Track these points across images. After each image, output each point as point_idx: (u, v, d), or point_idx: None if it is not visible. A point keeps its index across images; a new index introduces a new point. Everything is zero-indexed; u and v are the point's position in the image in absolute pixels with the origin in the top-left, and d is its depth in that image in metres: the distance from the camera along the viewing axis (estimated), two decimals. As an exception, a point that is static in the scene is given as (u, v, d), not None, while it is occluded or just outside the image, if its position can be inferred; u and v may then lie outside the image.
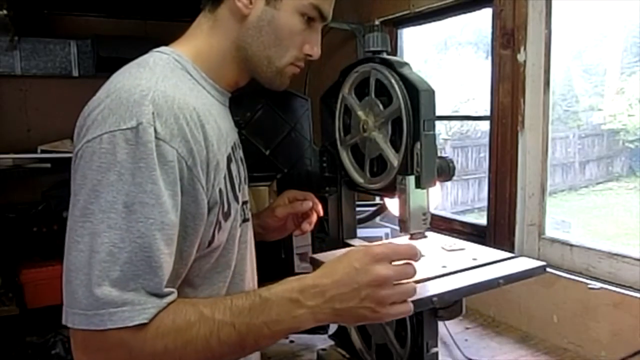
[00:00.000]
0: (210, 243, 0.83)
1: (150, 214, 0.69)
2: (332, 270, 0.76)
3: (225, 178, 0.85)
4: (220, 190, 0.82)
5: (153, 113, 0.71)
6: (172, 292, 0.72)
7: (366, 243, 1.21)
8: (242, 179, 0.97)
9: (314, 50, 0.92)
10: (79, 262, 0.68)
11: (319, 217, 1.18)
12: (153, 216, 0.69)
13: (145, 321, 0.68)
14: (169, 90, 0.76)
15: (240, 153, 1.00)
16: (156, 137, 0.70)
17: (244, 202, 0.96)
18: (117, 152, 0.69)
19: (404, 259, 0.78)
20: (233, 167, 0.89)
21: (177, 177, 0.73)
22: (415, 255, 0.78)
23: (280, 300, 0.74)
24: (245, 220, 0.95)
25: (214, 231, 0.82)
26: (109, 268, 0.67)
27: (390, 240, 1.26)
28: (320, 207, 1.18)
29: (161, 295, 0.70)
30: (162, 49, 0.87)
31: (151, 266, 0.69)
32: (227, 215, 0.85)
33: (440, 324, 1.38)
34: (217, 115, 0.87)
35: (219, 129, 0.85)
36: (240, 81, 0.94)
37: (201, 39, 0.90)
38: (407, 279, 0.77)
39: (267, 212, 1.19)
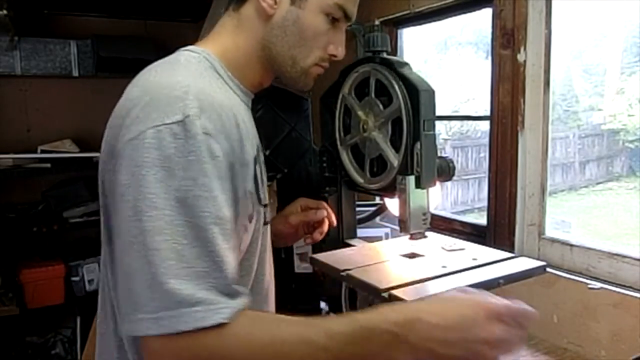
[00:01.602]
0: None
1: (205, 207, 0.66)
2: (442, 311, 0.70)
3: (252, 180, 0.83)
4: (249, 191, 0.81)
5: (198, 107, 0.69)
6: (243, 294, 0.68)
7: (366, 243, 1.21)
8: (264, 182, 0.94)
9: (339, 50, 0.90)
10: (138, 264, 0.63)
11: (329, 226, 1.17)
12: (208, 210, 0.66)
13: (223, 321, 0.62)
14: (207, 87, 0.75)
15: (262, 155, 0.98)
16: (203, 132, 0.68)
17: (265, 205, 0.94)
18: (164, 147, 0.66)
19: (518, 322, 0.71)
20: (258, 168, 0.87)
21: (225, 173, 0.71)
22: (529, 320, 0.72)
23: (381, 332, 0.67)
24: (265, 223, 0.94)
25: (241, 233, 0.81)
26: (175, 266, 0.62)
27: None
28: (333, 217, 1.17)
29: (232, 295, 0.66)
30: (192, 47, 0.86)
31: (215, 262, 0.65)
32: (251, 218, 0.84)
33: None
34: (244, 115, 0.86)
35: (247, 129, 0.84)
36: (264, 82, 0.93)
37: (227, 38, 0.88)
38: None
39: (279, 218, 1.17)
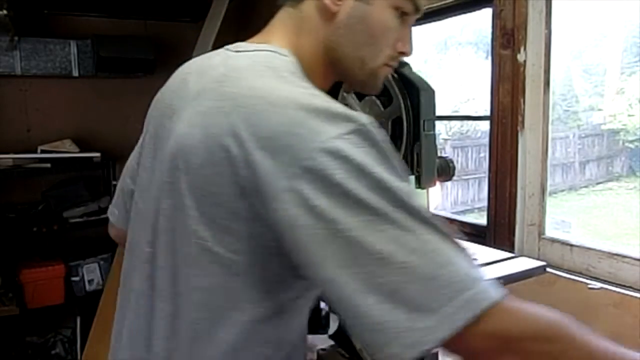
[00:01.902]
0: None
1: (415, 199, 0.60)
2: None
3: None
4: None
5: (362, 114, 0.63)
6: None
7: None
8: None
9: (407, 47, 0.82)
10: (409, 276, 0.55)
11: None
12: (417, 201, 0.60)
13: (505, 293, 0.58)
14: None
15: None
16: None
17: None
18: (354, 158, 0.58)
19: None
20: None
21: None
22: None
23: None
24: None
25: None
26: (452, 259, 0.58)
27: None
28: None
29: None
30: (275, 48, 0.75)
31: (457, 244, 0.61)
32: None
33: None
34: None
35: None
36: (326, 85, 0.83)
37: (290, 38, 0.79)
38: None
39: None
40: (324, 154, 0.57)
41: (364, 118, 0.62)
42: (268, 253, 0.63)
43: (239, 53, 0.75)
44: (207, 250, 0.65)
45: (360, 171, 0.57)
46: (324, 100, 0.63)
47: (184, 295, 0.68)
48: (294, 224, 0.58)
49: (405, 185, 0.60)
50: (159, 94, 0.85)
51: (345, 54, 0.79)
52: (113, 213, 0.98)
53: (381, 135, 0.62)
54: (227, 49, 0.78)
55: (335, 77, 0.84)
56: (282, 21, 0.81)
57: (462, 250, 0.60)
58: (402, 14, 0.79)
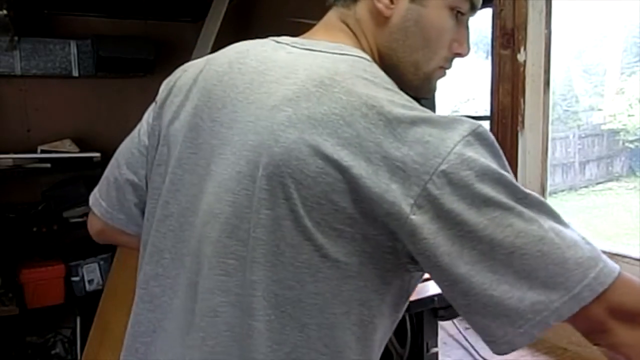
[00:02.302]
0: None
1: (535, 194, 0.63)
2: None
3: None
4: None
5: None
6: None
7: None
8: None
9: (464, 48, 0.79)
10: (541, 261, 0.58)
11: None
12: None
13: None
14: None
15: None
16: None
17: None
18: (477, 159, 0.60)
19: None
20: None
21: None
22: None
23: None
24: None
25: None
26: (576, 242, 0.60)
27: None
28: None
29: None
30: (358, 53, 0.72)
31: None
32: None
33: (449, 323, 1.39)
34: None
35: None
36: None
37: (356, 40, 0.75)
38: None
39: None
40: (452, 159, 0.59)
41: (473, 121, 0.63)
42: (381, 252, 0.63)
43: (315, 53, 0.70)
44: (323, 256, 0.63)
45: (484, 171, 0.59)
46: (428, 111, 0.64)
47: (292, 304, 0.64)
48: (424, 227, 0.59)
49: (514, 179, 0.62)
50: (183, 78, 0.78)
51: (400, 59, 0.76)
52: (99, 205, 0.85)
53: (491, 135, 0.64)
54: (281, 42, 0.74)
55: None
56: (338, 22, 0.76)
57: (574, 229, 0.62)
58: (458, 14, 0.76)
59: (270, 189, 0.63)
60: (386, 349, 1.08)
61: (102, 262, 2.65)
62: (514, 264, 0.58)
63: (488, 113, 1.64)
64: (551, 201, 1.58)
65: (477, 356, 1.33)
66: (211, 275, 0.66)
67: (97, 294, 2.45)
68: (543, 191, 1.54)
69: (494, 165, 0.61)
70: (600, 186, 5.36)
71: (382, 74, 0.70)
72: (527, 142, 1.53)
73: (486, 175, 0.60)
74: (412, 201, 0.59)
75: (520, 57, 1.51)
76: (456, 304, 0.62)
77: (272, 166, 0.63)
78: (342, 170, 0.60)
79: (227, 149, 0.67)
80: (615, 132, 5.01)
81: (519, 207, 0.59)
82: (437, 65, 0.78)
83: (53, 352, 2.67)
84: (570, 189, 5.38)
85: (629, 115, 4.30)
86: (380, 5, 0.73)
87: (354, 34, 0.75)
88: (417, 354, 0.99)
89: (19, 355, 2.61)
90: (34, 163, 2.53)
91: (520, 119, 1.53)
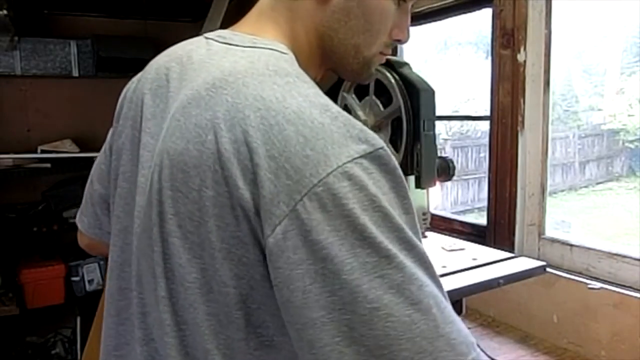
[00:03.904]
0: None
1: (422, 247, 0.53)
2: None
3: None
4: None
5: (375, 134, 0.56)
6: None
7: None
8: None
9: (404, 34, 0.76)
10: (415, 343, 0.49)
11: None
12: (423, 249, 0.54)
13: None
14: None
15: None
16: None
17: None
18: (367, 186, 0.51)
19: None
20: None
21: None
22: None
23: None
24: None
25: None
26: (452, 326, 0.51)
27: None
28: None
29: None
30: (273, 44, 0.66)
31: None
32: None
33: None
34: None
35: None
36: (319, 76, 0.76)
37: (285, 26, 0.70)
38: None
39: None
40: (331, 181, 0.51)
41: (379, 140, 0.55)
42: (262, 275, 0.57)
43: (230, 47, 0.66)
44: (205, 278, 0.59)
45: (371, 203, 0.51)
46: (336, 114, 0.56)
47: (190, 326, 0.60)
48: (282, 255, 0.51)
49: (414, 221, 0.55)
50: (131, 89, 0.75)
51: (341, 41, 0.71)
52: (82, 221, 0.89)
53: (395, 161, 0.56)
54: (209, 38, 0.69)
55: (328, 65, 0.76)
56: (272, 6, 0.71)
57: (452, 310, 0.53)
58: (400, 0, 0.73)
59: (159, 204, 0.61)
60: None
61: (102, 262, 2.65)
62: (376, 326, 0.48)
63: (488, 113, 1.64)
64: (551, 201, 1.58)
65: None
66: (143, 290, 0.66)
67: (97, 294, 2.45)
68: (543, 191, 1.55)
69: (387, 196, 0.52)
70: (600, 186, 5.36)
71: (289, 67, 0.63)
72: (527, 142, 1.53)
73: (373, 208, 0.51)
74: (277, 221, 0.51)
75: (520, 57, 1.51)
76: (301, 358, 0.53)
77: (163, 180, 0.60)
78: (225, 181, 0.55)
79: (146, 161, 0.66)
80: (615, 132, 5.01)
81: (401, 259, 0.50)
82: (378, 51, 0.75)
83: (53, 352, 2.67)
84: (570, 189, 5.39)
85: (629, 115, 4.30)
86: None
87: (287, 18, 0.70)
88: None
89: (19, 355, 2.61)
90: (34, 163, 2.53)
91: (520, 119, 1.53)
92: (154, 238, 0.62)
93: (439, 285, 0.53)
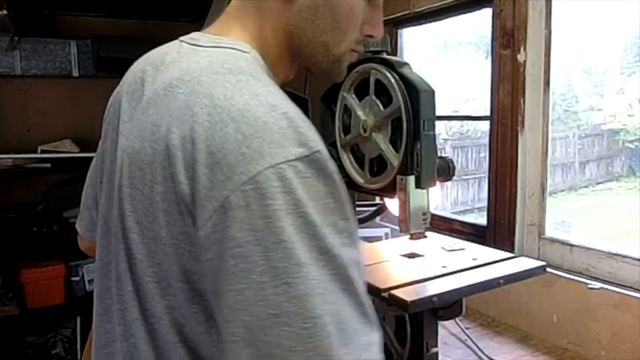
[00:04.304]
0: None
1: (347, 254, 0.53)
2: None
3: None
4: None
5: (314, 133, 0.56)
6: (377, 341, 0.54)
7: (366, 243, 1.21)
8: None
9: (376, 30, 0.76)
10: (290, 340, 0.48)
11: None
12: (349, 256, 0.53)
13: None
14: (291, 104, 0.60)
15: None
16: (332, 164, 0.55)
17: None
18: (294, 190, 0.51)
19: None
20: None
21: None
22: None
23: None
24: None
25: None
26: (336, 332, 0.49)
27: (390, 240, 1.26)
28: None
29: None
30: (236, 44, 0.67)
31: (363, 313, 0.52)
32: None
33: (450, 323, 1.39)
34: None
35: None
36: (291, 74, 0.78)
37: (252, 26, 0.71)
38: None
39: None
40: (261, 180, 0.51)
41: (319, 144, 0.55)
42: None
43: (196, 48, 0.67)
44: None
45: (297, 207, 0.50)
46: (282, 115, 0.56)
47: (156, 319, 0.61)
48: (208, 249, 0.52)
49: (351, 228, 0.54)
50: (114, 94, 0.77)
51: (309, 39, 0.71)
52: (80, 225, 0.92)
53: (333, 165, 0.55)
54: (182, 41, 0.71)
55: (300, 64, 0.76)
56: (239, 7, 0.72)
57: (373, 324, 0.53)
58: None
59: (119, 202, 0.63)
60: (386, 349, 1.08)
61: (102, 262, 2.64)
62: (272, 332, 0.48)
63: (488, 113, 1.64)
64: (551, 201, 1.58)
65: (482, 355, 1.33)
66: (121, 287, 0.67)
67: (97, 294, 2.45)
68: (543, 191, 1.55)
69: (320, 202, 0.52)
70: (600, 186, 5.36)
71: (245, 65, 0.63)
72: (527, 142, 1.53)
73: (298, 213, 0.50)
74: (207, 215, 0.52)
75: (520, 57, 1.51)
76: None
77: (123, 178, 0.62)
78: (170, 177, 0.57)
79: (115, 160, 0.68)
80: (615, 132, 5.01)
81: (311, 269, 0.49)
82: (348, 48, 0.74)
83: (53, 352, 2.67)
84: (570, 189, 5.39)
85: (629, 115, 4.30)
86: None
87: (254, 18, 0.71)
88: (417, 354, 0.99)
89: (19, 355, 2.61)
90: (34, 163, 2.53)
91: (520, 119, 1.53)
92: (118, 235, 0.64)
93: (357, 302, 0.51)
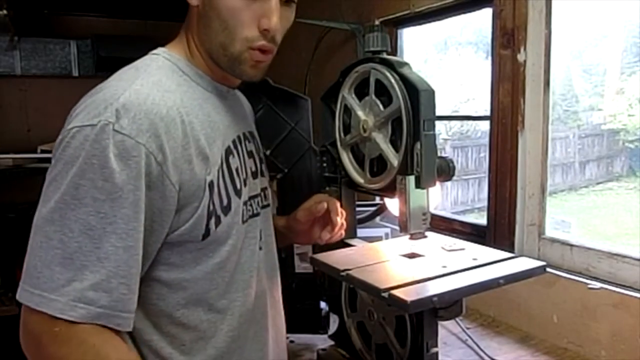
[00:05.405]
0: (204, 237, 0.82)
1: (100, 208, 0.71)
2: None
3: (220, 171, 0.83)
4: (211, 183, 0.81)
5: (117, 110, 0.72)
6: (113, 311, 0.74)
7: (366, 243, 1.21)
8: (249, 173, 0.94)
9: (271, 22, 0.81)
10: (34, 244, 0.74)
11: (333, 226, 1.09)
12: (104, 210, 0.71)
13: (54, 314, 0.75)
14: (146, 88, 0.77)
15: (250, 146, 0.98)
16: (121, 133, 0.71)
17: (251, 197, 0.94)
18: (76, 147, 0.71)
19: None
20: (233, 160, 0.88)
21: (143, 171, 0.73)
22: None
23: None
24: (253, 215, 0.94)
25: (207, 224, 0.81)
26: (58, 255, 0.72)
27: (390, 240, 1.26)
28: (335, 215, 1.08)
29: (94, 303, 0.72)
30: (157, 50, 0.88)
31: (98, 258, 0.72)
32: (226, 210, 0.84)
33: (451, 323, 1.39)
34: (213, 109, 0.87)
35: (213, 122, 0.84)
36: (227, 80, 0.92)
37: (183, 37, 0.90)
38: None
39: (293, 213, 1.14)
40: (61, 139, 0.73)
41: (111, 117, 0.72)
42: None
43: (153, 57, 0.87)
44: None
45: (57, 161, 0.73)
46: (113, 93, 0.75)
47: None
48: None
49: (97, 193, 0.71)
50: None
51: (211, 43, 0.84)
52: None
53: (117, 137, 0.71)
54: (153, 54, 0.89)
55: (217, 65, 0.87)
56: (183, 26, 0.90)
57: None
58: None
59: None
60: (386, 348, 1.08)
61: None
62: (35, 237, 0.73)
63: (488, 113, 1.64)
64: (551, 201, 1.58)
65: (482, 355, 1.33)
66: None
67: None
68: (543, 191, 1.54)
69: (74, 161, 0.71)
70: (600, 186, 5.36)
71: (142, 64, 0.83)
72: (527, 142, 1.53)
73: (61, 162, 0.73)
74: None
75: (520, 57, 1.51)
76: None
77: None
78: None
79: None
80: (615, 132, 5.01)
81: (61, 204, 0.71)
82: (245, 46, 0.83)
83: (53, 352, 2.67)
84: (570, 189, 5.38)
85: (629, 115, 4.29)
86: None
87: (184, 32, 0.89)
88: (417, 354, 0.99)
89: (19, 355, 2.61)
90: (34, 163, 2.53)
91: (520, 119, 1.53)
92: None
93: (86, 228, 0.71)
